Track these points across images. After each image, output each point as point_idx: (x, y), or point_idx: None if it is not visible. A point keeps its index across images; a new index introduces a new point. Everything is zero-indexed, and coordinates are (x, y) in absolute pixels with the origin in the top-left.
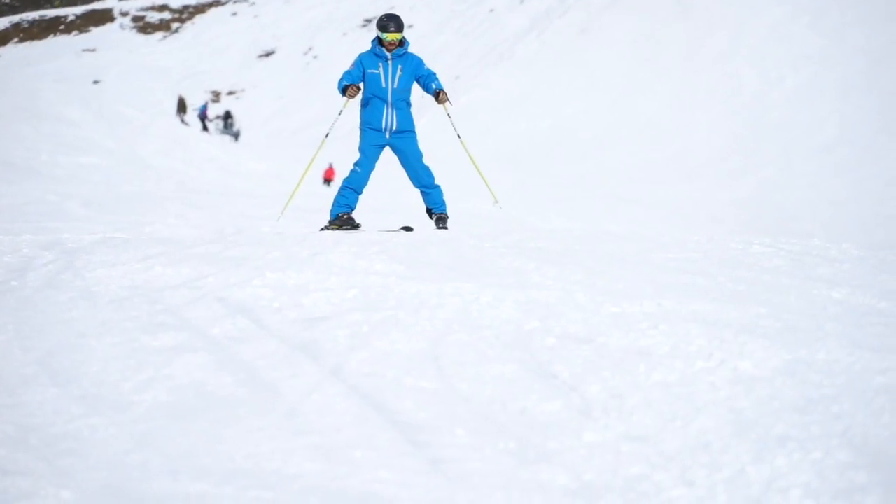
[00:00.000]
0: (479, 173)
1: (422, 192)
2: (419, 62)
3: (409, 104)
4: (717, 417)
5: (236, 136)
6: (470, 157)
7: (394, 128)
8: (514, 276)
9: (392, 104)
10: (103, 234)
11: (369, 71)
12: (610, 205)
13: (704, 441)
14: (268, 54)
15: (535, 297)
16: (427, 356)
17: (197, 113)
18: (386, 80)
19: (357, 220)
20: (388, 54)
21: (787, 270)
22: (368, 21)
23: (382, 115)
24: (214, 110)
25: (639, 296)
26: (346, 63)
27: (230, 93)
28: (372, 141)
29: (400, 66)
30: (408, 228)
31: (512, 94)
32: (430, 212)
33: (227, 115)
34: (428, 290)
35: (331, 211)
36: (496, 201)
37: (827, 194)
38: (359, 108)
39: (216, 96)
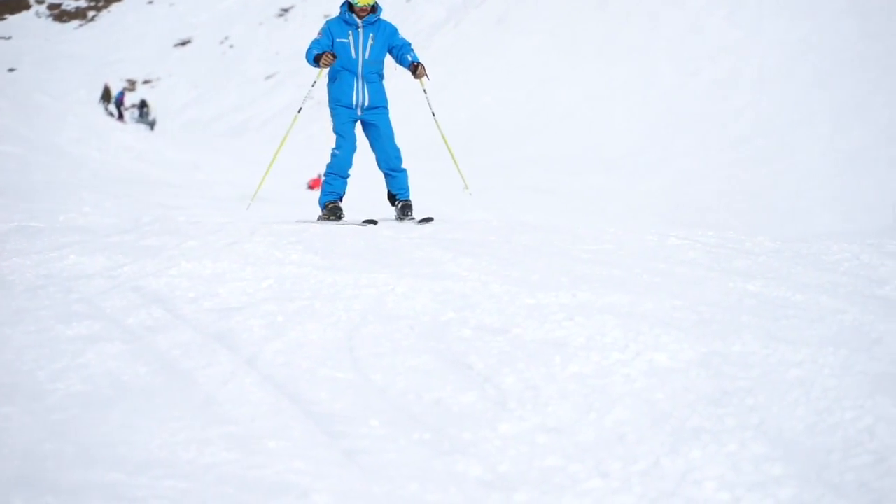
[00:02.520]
0: (452, 157)
1: (386, 174)
2: (393, 30)
3: (381, 77)
4: (633, 409)
5: (152, 125)
6: (444, 138)
7: (366, 104)
8: (430, 267)
9: (363, 77)
10: (18, 223)
11: (338, 40)
12: (526, 196)
13: (619, 433)
14: (184, 43)
15: (450, 287)
16: (342, 347)
17: (113, 100)
18: (356, 49)
19: (342, 211)
20: (359, 21)
21: (703, 263)
22: (285, 11)
23: (353, 90)
24: (130, 99)
25: (554, 287)
26: (261, 52)
27: (146, 81)
28: (345, 119)
29: (372, 35)
30: (371, 221)
31: (429, 85)
32: (393, 198)
33: (143, 104)
34: (343, 281)
35: (319, 201)
36: (466, 187)
37: (743, 186)
38: (326, 83)
39: (132, 85)
